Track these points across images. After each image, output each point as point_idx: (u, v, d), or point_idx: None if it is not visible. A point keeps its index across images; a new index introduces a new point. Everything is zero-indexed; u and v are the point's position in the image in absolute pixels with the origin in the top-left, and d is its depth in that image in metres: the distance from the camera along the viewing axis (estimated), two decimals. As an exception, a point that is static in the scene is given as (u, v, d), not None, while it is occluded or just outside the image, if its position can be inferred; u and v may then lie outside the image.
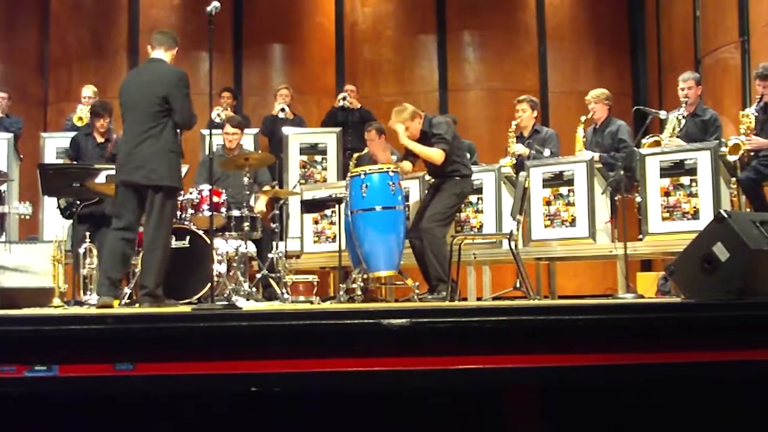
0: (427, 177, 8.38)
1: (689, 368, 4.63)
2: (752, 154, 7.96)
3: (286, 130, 10.65)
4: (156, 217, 6.85)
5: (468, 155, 8.27)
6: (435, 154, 7.72)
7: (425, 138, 7.81)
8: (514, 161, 9.06)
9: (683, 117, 8.43)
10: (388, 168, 7.62)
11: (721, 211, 5.23)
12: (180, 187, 7.20)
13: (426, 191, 8.24)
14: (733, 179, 7.94)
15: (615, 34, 13.55)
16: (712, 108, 8.81)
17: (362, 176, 7.53)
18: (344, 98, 11.12)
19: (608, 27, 13.53)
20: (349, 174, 7.82)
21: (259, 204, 8.96)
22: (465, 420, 4.94)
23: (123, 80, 7.28)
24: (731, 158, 7.87)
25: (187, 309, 5.61)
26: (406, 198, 8.07)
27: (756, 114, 8.01)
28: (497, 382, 4.68)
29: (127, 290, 7.87)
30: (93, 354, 4.49)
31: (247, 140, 10.37)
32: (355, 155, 8.89)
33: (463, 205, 8.36)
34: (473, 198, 8.52)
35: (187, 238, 7.92)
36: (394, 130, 7.83)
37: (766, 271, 5.18)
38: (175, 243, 7.80)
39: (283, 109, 10.92)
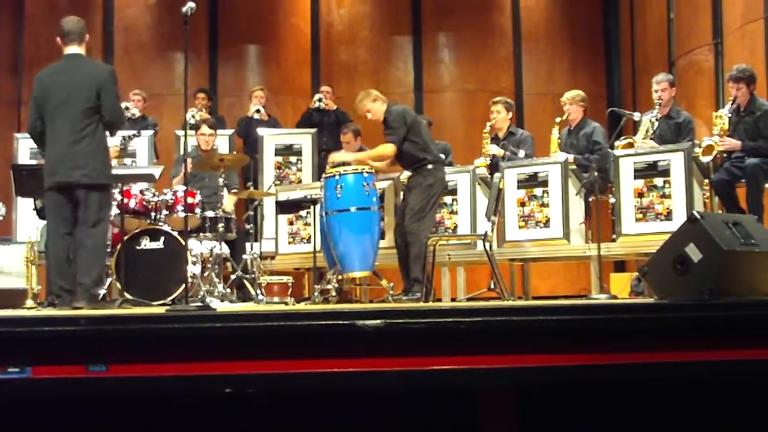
0: (403, 177, 8.39)
1: (663, 368, 4.66)
2: (725, 155, 8.00)
3: (261, 131, 10.63)
4: (95, 215, 6.69)
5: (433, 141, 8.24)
6: (384, 150, 7.77)
7: (384, 126, 7.86)
8: (489, 162, 9.08)
9: (657, 119, 8.47)
10: (363, 169, 7.63)
11: (694, 213, 5.27)
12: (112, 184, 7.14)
13: (402, 191, 8.27)
14: (706, 181, 7.98)
15: (590, 37, 13.60)
16: (685, 110, 8.85)
17: (337, 177, 7.53)
18: (320, 99, 11.11)
19: (583, 29, 13.57)
20: (323, 175, 7.82)
21: (227, 204, 8.93)
22: (440, 421, 4.95)
23: (40, 78, 6.92)
24: (704, 159, 7.91)
25: (161, 310, 5.59)
26: (381, 199, 8.07)
27: (729, 115, 8.06)
28: (472, 383, 4.69)
29: (101, 291, 7.84)
30: (66, 355, 4.47)
31: (222, 141, 10.36)
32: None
33: (438, 205, 8.37)
34: (448, 199, 8.52)
35: (162, 239, 7.90)
36: (368, 116, 7.91)
37: (738, 271, 5.22)
38: (149, 244, 7.78)
39: (258, 111, 10.91)
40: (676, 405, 4.92)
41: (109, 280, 7.79)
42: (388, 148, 7.72)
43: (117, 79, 6.87)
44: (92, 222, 6.69)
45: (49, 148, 6.80)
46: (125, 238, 7.73)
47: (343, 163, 7.91)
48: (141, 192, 8.05)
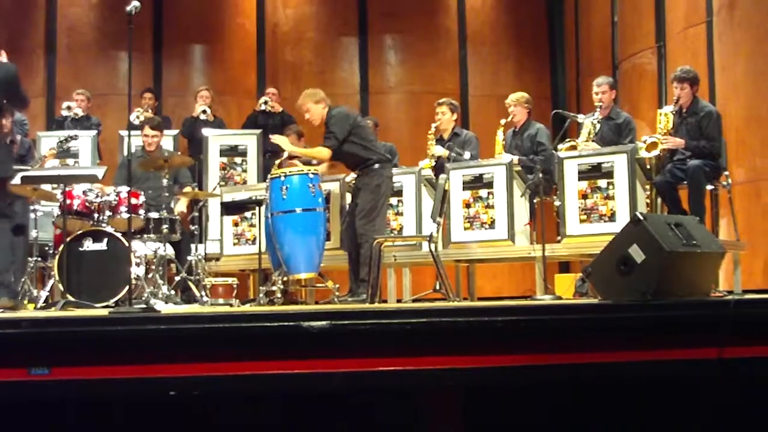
0: (348, 178, 8.39)
1: (606, 368, 4.70)
2: (668, 156, 8.08)
3: (206, 131, 10.57)
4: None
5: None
6: (318, 153, 7.82)
7: (325, 129, 7.86)
8: (434, 163, 9.09)
9: (598, 121, 8.53)
10: (309, 170, 7.61)
11: (637, 214, 5.32)
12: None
13: (347, 192, 8.28)
14: (649, 182, 8.06)
15: (535, 39, 13.70)
16: (629, 112, 8.92)
17: (282, 178, 7.50)
18: (266, 102, 11.06)
19: (528, 32, 13.67)
20: (269, 176, 7.79)
21: (180, 205, 8.88)
22: (385, 421, 4.95)
23: None
24: (647, 155, 7.97)
25: (104, 312, 5.54)
26: (327, 200, 8.06)
27: (674, 113, 8.13)
28: (417, 384, 4.70)
29: (43, 294, 7.76)
30: (7, 359, 4.41)
31: (167, 141, 10.28)
32: (277, 162, 8.79)
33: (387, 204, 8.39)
34: (393, 200, 8.52)
35: (105, 240, 7.81)
36: (313, 123, 7.87)
37: (680, 272, 5.28)
38: (92, 245, 7.70)
39: (204, 111, 10.84)
40: (619, 404, 4.96)
41: (51, 281, 7.70)
42: (324, 152, 7.76)
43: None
44: None
45: None
46: (68, 239, 7.64)
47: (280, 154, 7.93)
48: (84, 193, 7.97)
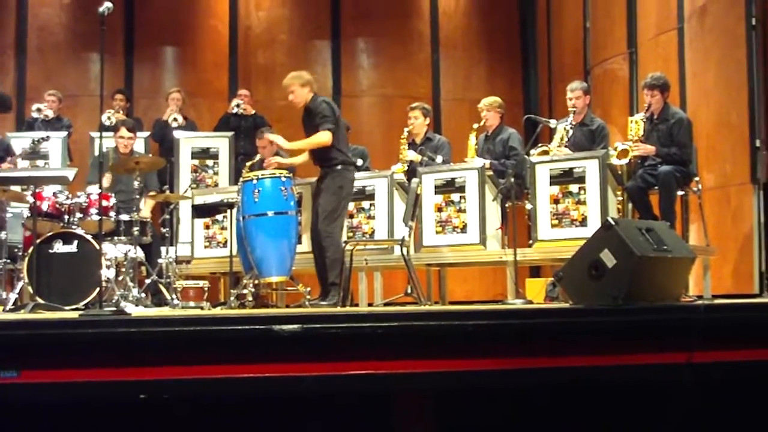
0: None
1: (577, 372, 4.72)
2: (639, 161, 8.12)
3: (178, 133, 10.53)
4: None
5: (348, 142, 8.20)
6: (321, 139, 7.64)
7: (308, 115, 7.79)
8: (406, 168, 9.10)
9: (571, 126, 8.56)
10: (281, 173, 7.59)
11: (609, 219, 5.34)
12: None
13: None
14: (620, 187, 8.09)
15: (507, 44, 13.74)
16: (600, 118, 8.96)
17: (254, 181, 7.48)
18: (237, 105, 11.00)
19: (501, 36, 13.70)
20: (241, 179, 7.77)
21: (145, 210, 8.83)
22: (358, 425, 4.95)
23: None
24: (618, 162, 8.01)
25: (74, 315, 5.50)
26: (299, 203, 8.05)
27: (644, 121, 8.17)
28: (388, 387, 4.70)
29: (12, 296, 7.70)
30: (-25, 361, 4.38)
31: (138, 144, 10.22)
32: (248, 163, 8.77)
33: (355, 210, 8.38)
34: (365, 204, 8.52)
35: (75, 242, 7.74)
36: (296, 105, 7.84)
37: (651, 277, 5.31)
38: (62, 248, 7.64)
39: (176, 119, 10.79)
40: (590, 408, 4.98)
41: (20, 284, 7.65)
42: (325, 136, 7.61)
43: None
44: None
45: None
46: (37, 241, 7.58)
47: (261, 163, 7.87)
48: (54, 194, 7.91)
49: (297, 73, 7.91)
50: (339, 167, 7.70)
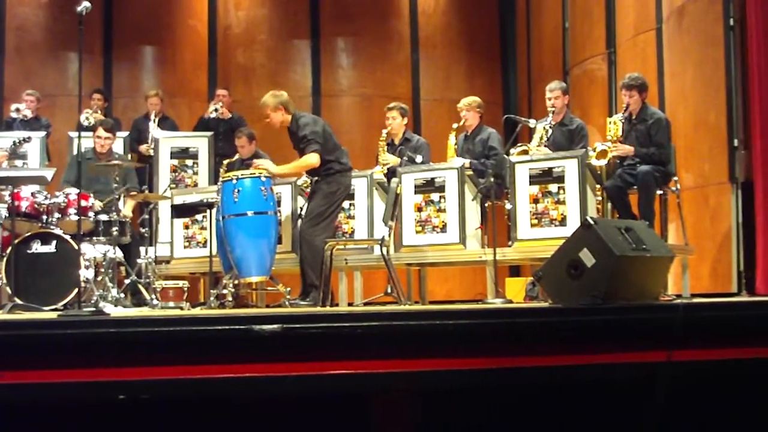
0: (300, 181, 8.39)
1: (556, 371, 4.73)
2: (618, 161, 8.15)
3: (157, 133, 10.49)
4: None
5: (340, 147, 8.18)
6: (309, 161, 7.64)
7: (293, 137, 7.78)
8: (386, 170, 9.09)
9: (550, 126, 8.59)
10: (261, 173, 7.58)
11: (588, 218, 5.36)
12: None
13: (299, 196, 8.27)
14: (599, 187, 8.12)
15: (486, 44, 13.77)
16: (579, 118, 8.98)
17: (234, 181, 7.47)
18: (216, 110, 10.90)
19: (480, 36, 13.73)
20: (221, 179, 7.75)
21: (126, 209, 8.80)
22: (337, 425, 4.95)
23: None
24: (597, 163, 8.04)
25: (53, 316, 5.48)
26: (279, 203, 8.04)
27: (622, 121, 8.20)
28: (368, 387, 4.70)
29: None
30: (-47, 362, 4.36)
31: (117, 144, 10.17)
32: (226, 162, 8.73)
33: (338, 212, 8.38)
34: (345, 204, 8.51)
35: (54, 242, 7.71)
36: (273, 126, 7.81)
37: (630, 276, 5.33)
38: (40, 248, 7.61)
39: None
40: (569, 407, 4.99)
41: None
42: (313, 158, 7.61)
43: None
44: None
45: None
46: (15, 241, 7.55)
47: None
48: (32, 194, 7.87)
49: (268, 97, 7.81)
50: (335, 174, 7.71)
